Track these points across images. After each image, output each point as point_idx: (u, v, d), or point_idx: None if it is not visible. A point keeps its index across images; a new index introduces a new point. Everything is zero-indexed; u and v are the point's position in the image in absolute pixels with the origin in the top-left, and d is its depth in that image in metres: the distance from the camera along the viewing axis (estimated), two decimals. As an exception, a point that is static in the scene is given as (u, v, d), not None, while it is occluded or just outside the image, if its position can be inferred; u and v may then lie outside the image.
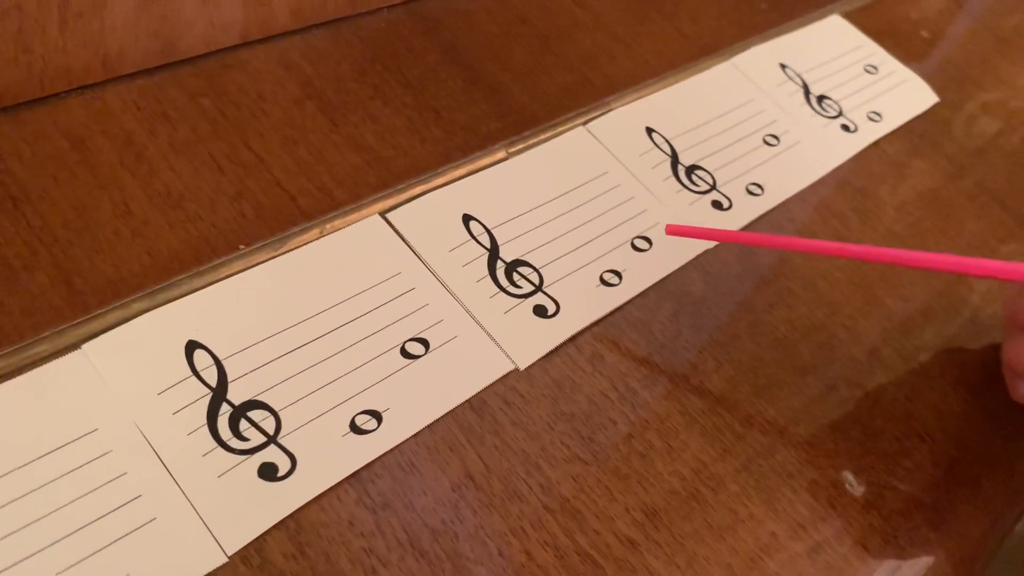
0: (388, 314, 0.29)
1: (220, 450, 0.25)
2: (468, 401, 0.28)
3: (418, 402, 0.28)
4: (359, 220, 0.31)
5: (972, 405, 0.35)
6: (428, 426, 0.27)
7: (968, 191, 0.43)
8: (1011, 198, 0.44)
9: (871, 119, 0.44)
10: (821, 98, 0.44)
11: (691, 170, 0.38)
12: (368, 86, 0.36)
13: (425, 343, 0.29)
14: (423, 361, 0.28)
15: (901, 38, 0.51)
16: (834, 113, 0.43)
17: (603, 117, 0.38)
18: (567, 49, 0.41)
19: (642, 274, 0.34)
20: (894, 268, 0.38)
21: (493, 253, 0.32)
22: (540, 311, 0.31)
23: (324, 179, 0.32)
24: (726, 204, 0.37)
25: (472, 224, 0.32)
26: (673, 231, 0.33)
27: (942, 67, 0.51)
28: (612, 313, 0.32)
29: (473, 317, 0.30)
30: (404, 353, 0.28)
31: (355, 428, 0.26)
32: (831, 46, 0.47)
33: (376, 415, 0.27)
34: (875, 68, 0.47)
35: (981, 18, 0.57)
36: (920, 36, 0.52)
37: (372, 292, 0.29)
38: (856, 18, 0.50)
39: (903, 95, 0.46)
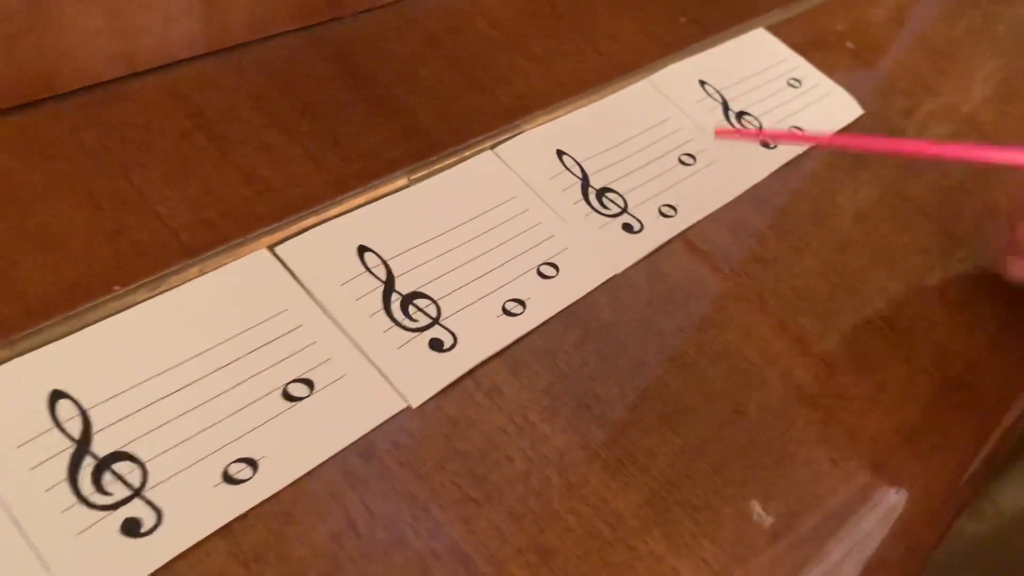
0: (271, 354, 0.28)
1: (80, 506, 0.24)
2: (355, 444, 0.27)
3: (299, 447, 0.26)
4: (245, 255, 0.30)
5: (887, 426, 0.34)
6: (309, 472, 0.26)
7: (893, 205, 0.43)
8: (936, 211, 0.43)
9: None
10: (740, 114, 0.43)
11: (602, 193, 0.37)
12: (263, 115, 0.35)
13: (310, 384, 0.28)
14: (307, 403, 0.27)
15: (827, 50, 0.51)
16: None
17: (512, 140, 0.38)
18: (479, 70, 0.40)
19: (547, 302, 0.33)
20: (809, 287, 0.37)
21: (388, 285, 0.31)
22: (436, 345, 0.30)
23: (210, 213, 0.31)
24: (637, 227, 0.37)
25: (367, 256, 0.31)
26: (722, 134, 0.32)
27: (869, 79, 0.51)
28: (514, 344, 0.32)
29: (364, 354, 0.29)
30: (286, 396, 0.27)
31: (228, 478, 0.25)
32: (753, 60, 0.47)
33: (252, 463, 0.26)
34: (798, 82, 0.47)
35: (911, 29, 0.57)
36: (846, 48, 0.52)
37: (254, 331, 0.28)
38: (781, 31, 0.50)
39: (826, 108, 0.46)
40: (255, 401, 0.27)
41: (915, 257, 0.41)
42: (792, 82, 0.47)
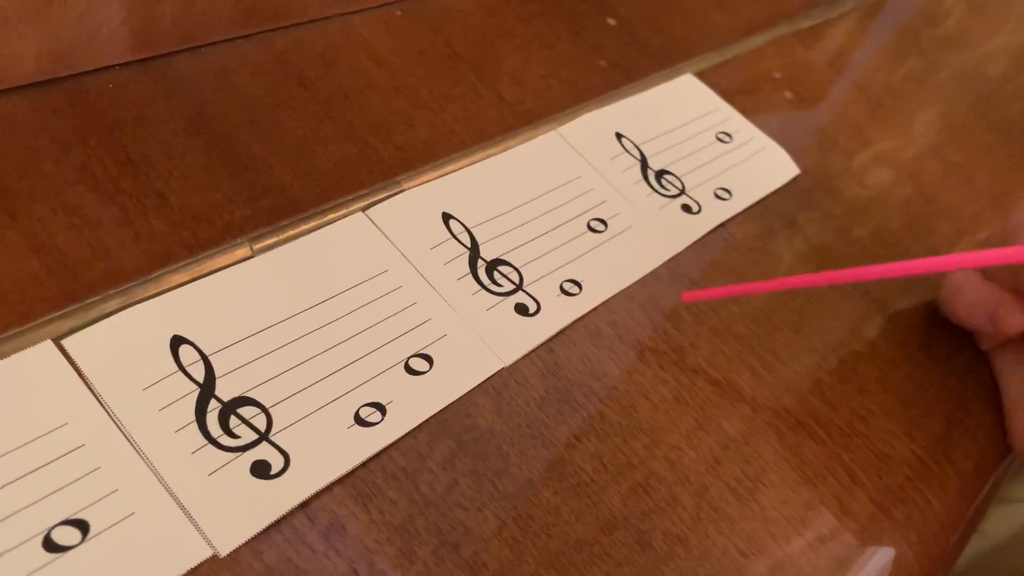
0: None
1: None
2: (134, 610, 0.21)
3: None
4: (25, 348, 0.24)
5: (822, 557, 0.29)
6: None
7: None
8: (876, 287, 0.39)
9: (718, 197, 0.38)
10: (661, 173, 0.38)
11: (494, 265, 0.31)
12: (72, 167, 0.28)
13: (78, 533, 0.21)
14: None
15: (762, 99, 0.46)
16: (675, 191, 0.37)
17: (389, 200, 0.32)
18: (353, 116, 0.34)
19: (415, 405, 0.27)
20: (731, 381, 0.32)
21: (206, 389, 0.25)
22: (260, 470, 0.24)
23: (-20, 294, 0.24)
24: (532, 308, 0.31)
25: (183, 350, 0.25)
26: (691, 297, 0.32)
27: (807, 132, 0.46)
28: (366, 463, 0.25)
29: (164, 485, 0.23)
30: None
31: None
32: (679, 111, 0.42)
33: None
34: (729, 136, 0.42)
35: (853, 78, 0.52)
36: (784, 98, 0.47)
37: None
38: (711, 78, 0.45)
39: (759, 167, 0.41)
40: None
41: (851, 341, 0.36)
42: (722, 136, 0.42)
